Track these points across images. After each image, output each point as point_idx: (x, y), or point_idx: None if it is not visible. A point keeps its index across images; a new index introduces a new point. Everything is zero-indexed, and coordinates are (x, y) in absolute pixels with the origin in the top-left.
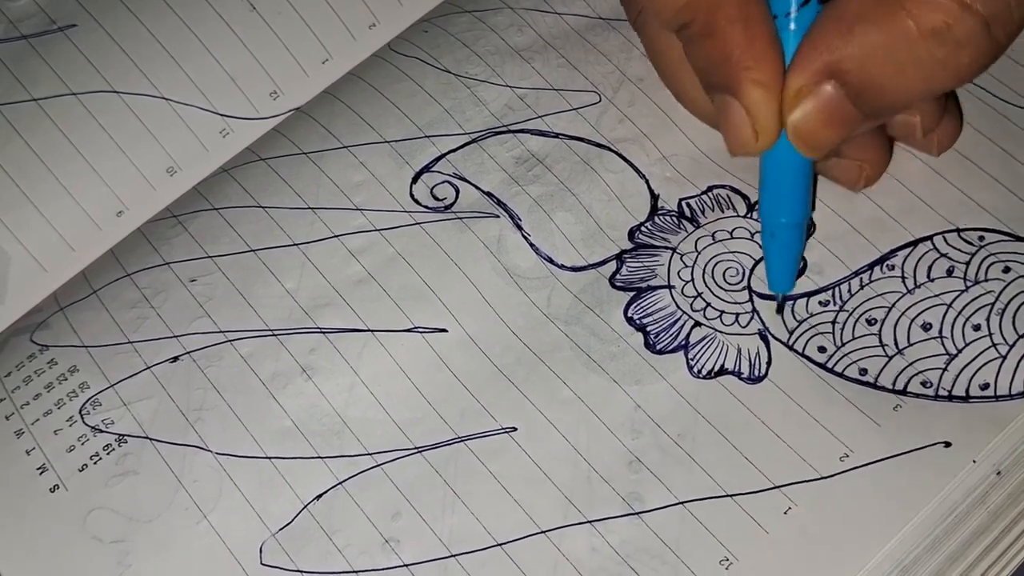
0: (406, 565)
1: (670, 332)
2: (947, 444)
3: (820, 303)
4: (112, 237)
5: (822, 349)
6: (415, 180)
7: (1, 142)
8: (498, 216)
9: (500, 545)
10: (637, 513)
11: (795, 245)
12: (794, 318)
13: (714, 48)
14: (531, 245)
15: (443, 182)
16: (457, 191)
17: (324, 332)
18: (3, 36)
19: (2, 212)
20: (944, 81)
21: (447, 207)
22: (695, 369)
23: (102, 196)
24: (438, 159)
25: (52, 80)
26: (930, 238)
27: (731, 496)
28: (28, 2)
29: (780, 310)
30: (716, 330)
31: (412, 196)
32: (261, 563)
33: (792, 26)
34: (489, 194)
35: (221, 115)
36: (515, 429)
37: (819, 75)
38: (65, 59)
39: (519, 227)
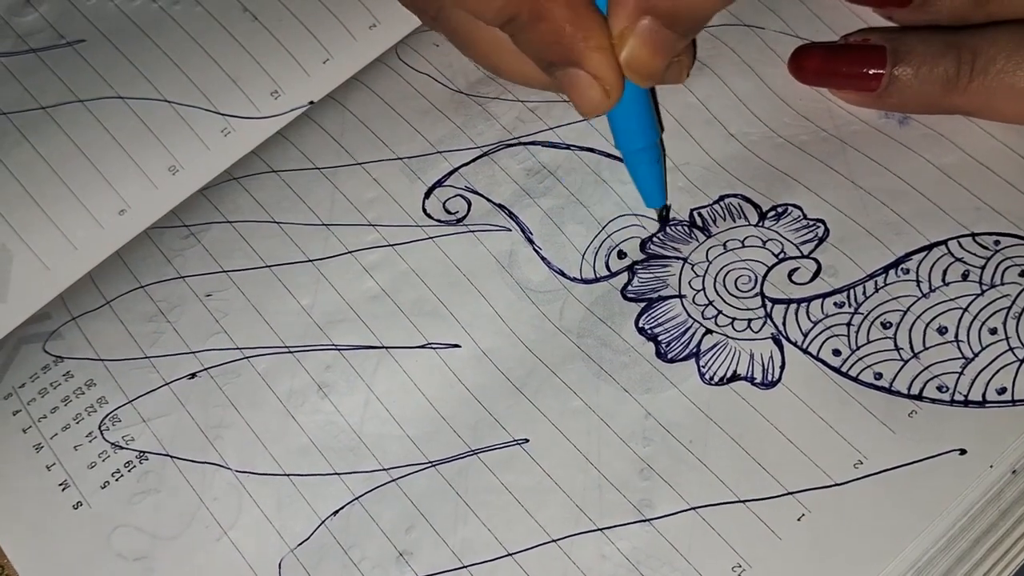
0: None
1: (681, 340)
2: (962, 451)
3: (835, 304)
4: (115, 236)
5: (837, 352)
6: (428, 195)
7: (8, 147)
8: (510, 230)
9: (511, 555)
10: (648, 520)
11: (657, 163)
12: (809, 319)
13: (547, 30)
14: (543, 259)
15: (455, 196)
16: (469, 204)
17: (339, 349)
18: (12, 49)
19: (6, 211)
20: None
21: (459, 220)
22: (707, 376)
23: (104, 194)
24: (450, 173)
25: (60, 89)
26: (945, 242)
27: (744, 502)
28: (36, 17)
29: (664, 220)
30: (728, 336)
31: (425, 210)
32: None
33: None
34: (501, 206)
35: (222, 115)
36: (527, 440)
37: (635, 14)
38: (74, 71)
39: (530, 241)
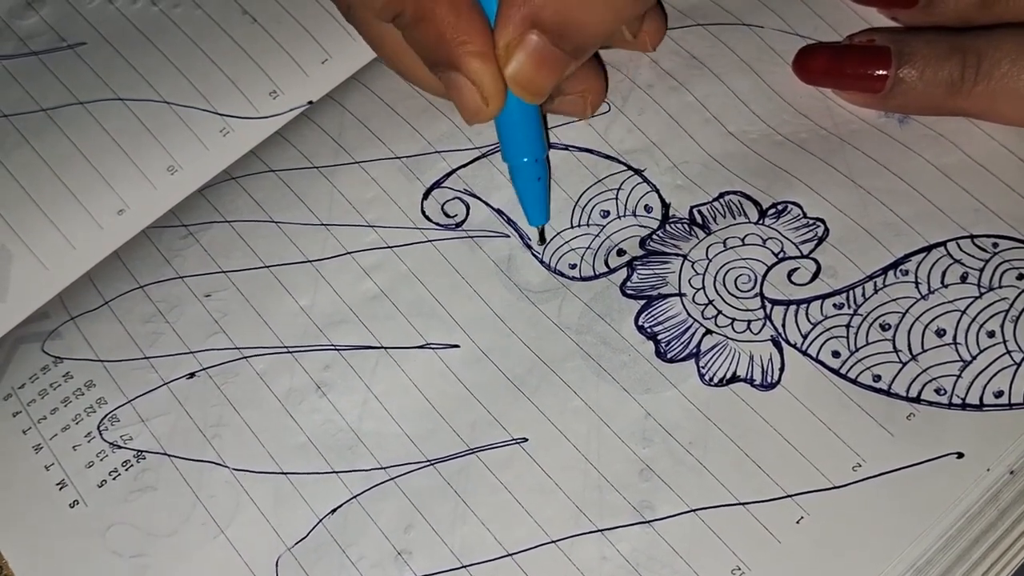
0: None
1: (681, 340)
2: (960, 455)
3: (835, 306)
4: (114, 236)
5: (836, 354)
6: (426, 196)
7: (8, 148)
8: (508, 236)
9: (511, 555)
10: (648, 521)
11: (542, 180)
12: (808, 321)
13: (428, 30)
14: (541, 263)
15: (454, 198)
16: (468, 208)
17: (338, 349)
18: (13, 52)
19: (5, 212)
20: (631, 9)
21: (458, 224)
22: (706, 377)
23: (103, 195)
24: (448, 175)
25: (61, 92)
26: (944, 244)
27: (743, 504)
28: (37, 20)
29: (542, 240)
30: (728, 337)
31: (423, 212)
32: None
33: None
34: (499, 211)
35: (221, 115)
36: (526, 440)
37: (521, 27)
38: (74, 73)
39: (529, 246)
